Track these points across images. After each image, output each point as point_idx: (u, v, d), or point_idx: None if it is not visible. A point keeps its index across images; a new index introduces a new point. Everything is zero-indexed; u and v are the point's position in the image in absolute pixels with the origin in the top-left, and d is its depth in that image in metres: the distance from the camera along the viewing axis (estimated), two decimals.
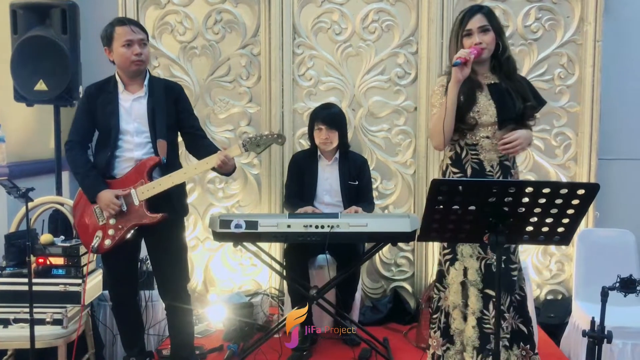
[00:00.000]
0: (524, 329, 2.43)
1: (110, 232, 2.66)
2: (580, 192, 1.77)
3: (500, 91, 2.44)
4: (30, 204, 2.55)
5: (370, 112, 3.84)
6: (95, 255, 2.98)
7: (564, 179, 3.73)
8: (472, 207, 1.84)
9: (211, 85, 3.89)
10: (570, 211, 1.82)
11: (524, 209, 1.83)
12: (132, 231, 2.67)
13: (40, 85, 3.19)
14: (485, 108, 2.41)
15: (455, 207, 1.84)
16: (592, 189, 1.78)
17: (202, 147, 2.80)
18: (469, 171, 2.44)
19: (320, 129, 3.34)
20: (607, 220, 3.72)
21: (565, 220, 1.85)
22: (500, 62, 2.47)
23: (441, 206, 1.84)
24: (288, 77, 3.81)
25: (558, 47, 3.73)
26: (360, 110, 3.84)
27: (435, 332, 2.50)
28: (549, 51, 3.73)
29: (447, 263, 2.46)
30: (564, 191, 1.77)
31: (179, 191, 2.79)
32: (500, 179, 2.41)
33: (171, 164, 2.71)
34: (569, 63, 3.75)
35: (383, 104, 3.84)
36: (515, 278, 2.43)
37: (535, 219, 1.85)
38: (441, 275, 2.50)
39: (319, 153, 3.44)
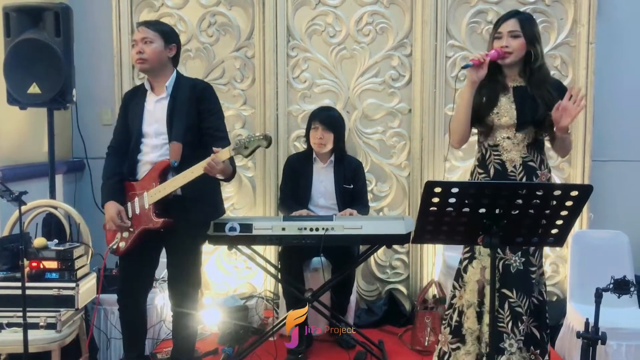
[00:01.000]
0: (537, 333, 2.42)
1: (125, 234, 2.69)
2: (574, 193, 1.78)
3: (524, 94, 2.43)
4: (23, 208, 2.54)
5: (364, 115, 3.85)
6: (89, 258, 2.97)
7: (557, 181, 3.74)
8: (466, 209, 1.84)
9: None
10: (563, 213, 1.83)
11: (517, 211, 1.83)
12: (144, 235, 2.67)
13: (34, 89, 3.17)
14: (506, 110, 2.41)
15: (449, 209, 1.84)
16: (585, 191, 1.79)
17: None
18: (491, 172, 2.45)
19: (316, 128, 3.34)
20: (601, 222, 3.73)
21: (559, 222, 1.86)
22: (532, 70, 2.43)
23: (435, 208, 1.84)
24: (282, 80, 3.81)
25: (551, 49, 3.75)
26: (355, 113, 3.84)
27: (445, 328, 2.51)
28: None
29: (466, 261, 2.47)
30: (557, 193, 1.78)
31: (199, 197, 2.70)
32: (524, 180, 2.39)
33: (189, 166, 2.58)
34: (563, 65, 3.76)
35: (377, 107, 3.84)
36: (534, 281, 2.42)
37: (529, 220, 1.86)
38: (459, 274, 2.51)
39: (314, 156, 3.43)
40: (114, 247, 2.70)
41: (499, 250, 2.37)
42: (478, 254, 2.43)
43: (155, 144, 2.70)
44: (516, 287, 2.36)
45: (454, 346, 2.45)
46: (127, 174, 2.74)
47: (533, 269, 2.43)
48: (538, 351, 2.42)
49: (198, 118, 2.71)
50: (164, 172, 2.66)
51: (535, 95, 2.41)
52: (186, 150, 2.65)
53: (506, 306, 2.36)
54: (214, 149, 2.53)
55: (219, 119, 2.78)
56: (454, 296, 2.51)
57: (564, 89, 2.45)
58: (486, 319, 2.36)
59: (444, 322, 2.55)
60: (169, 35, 2.73)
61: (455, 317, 2.47)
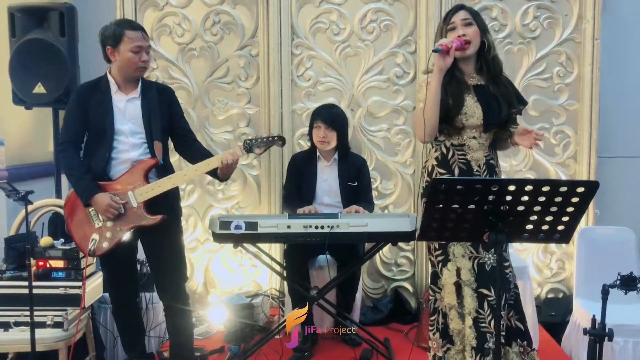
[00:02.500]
0: (521, 325, 2.42)
1: (108, 234, 2.64)
2: (580, 189, 1.77)
3: (487, 95, 2.43)
4: (29, 207, 2.55)
5: (369, 112, 3.84)
6: (95, 258, 2.98)
7: (563, 177, 3.73)
8: (472, 206, 1.83)
9: (210, 87, 3.89)
10: (570, 209, 1.82)
11: (523, 207, 1.82)
12: (128, 233, 2.66)
13: (39, 88, 3.19)
14: (472, 110, 2.39)
15: (455, 206, 1.84)
16: (591, 187, 1.78)
17: (195, 150, 2.81)
18: (456, 171, 2.42)
19: (319, 127, 3.34)
20: (607, 218, 3.72)
21: (565, 218, 1.85)
22: (487, 62, 2.44)
23: (440, 205, 1.84)
24: (287, 78, 3.81)
25: (556, 45, 3.73)
26: (359, 110, 3.84)
27: (434, 333, 2.49)
28: (547, 49, 3.73)
29: (440, 264, 2.43)
30: (563, 189, 1.77)
31: (175, 192, 2.79)
32: (487, 177, 2.40)
33: (166, 166, 2.74)
34: (568, 61, 3.75)
35: (382, 104, 3.84)
36: (508, 276, 2.43)
37: (535, 217, 1.85)
38: (435, 277, 2.47)
39: (318, 154, 3.43)
40: (92, 248, 2.62)
41: (472, 249, 2.37)
42: (452, 255, 2.40)
43: (133, 142, 2.68)
44: (493, 285, 2.33)
45: (444, 348, 2.43)
46: (98, 171, 2.65)
47: (507, 264, 2.43)
48: (525, 342, 2.41)
49: (169, 120, 2.77)
50: (148, 171, 2.67)
51: (497, 95, 2.41)
52: (163, 149, 2.71)
53: (485, 305, 2.34)
54: (229, 151, 2.64)
55: (187, 122, 2.90)
56: (435, 300, 2.48)
57: (514, 85, 2.57)
58: (468, 321, 2.35)
59: (431, 327, 2.51)
60: None
61: (440, 320, 2.45)
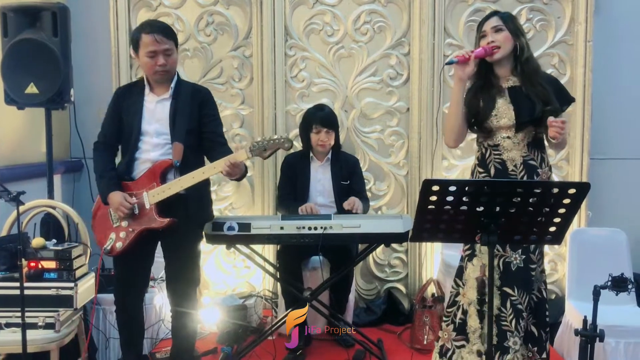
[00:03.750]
0: (535, 331, 2.43)
1: (122, 234, 2.67)
2: (571, 191, 1.78)
3: (520, 95, 2.45)
4: (21, 208, 2.53)
5: (362, 114, 3.85)
6: (88, 258, 2.97)
7: (556, 179, 3.74)
8: (464, 207, 1.84)
9: None
10: (561, 210, 1.83)
11: (515, 209, 1.83)
12: (143, 234, 2.66)
13: (31, 89, 3.17)
14: (504, 112, 2.43)
15: (447, 207, 1.84)
16: (583, 188, 1.79)
17: (218, 153, 2.71)
18: (492, 171, 2.46)
19: (319, 131, 3.34)
20: (599, 220, 3.73)
21: (557, 220, 1.86)
22: (521, 63, 2.46)
23: (433, 206, 1.85)
24: (280, 79, 3.81)
25: (549, 47, 3.75)
26: (353, 112, 3.84)
27: (448, 325, 2.51)
28: (540, 52, 3.74)
29: (466, 259, 2.48)
30: (555, 191, 1.78)
31: (198, 197, 2.74)
32: (525, 178, 2.40)
33: (190, 167, 2.64)
34: (560, 63, 3.76)
35: (375, 105, 3.84)
36: (533, 278, 2.42)
37: (527, 218, 1.86)
38: (461, 271, 2.51)
39: (311, 154, 3.44)
40: (108, 247, 2.67)
41: (499, 248, 2.39)
42: (479, 251, 2.43)
43: (157, 143, 2.69)
44: (517, 285, 2.37)
45: (458, 344, 2.45)
46: (122, 171, 2.72)
47: (533, 266, 2.43)
48: (535, 349, 2.42)
49: (199, 122, 2.74)
50: (164, 172, 2.66)
51: (530, 94, 2.42)
52: (187, 151, 2.67)
53: (508, 304, 2.36)
54: (232, 155, 2.59)
55: (219, 125, 2.84)
56: (457, 294, 2.51)
57: (558, 83, 2.54)
58: None
59: (446, 319, 2.54)
60: (177, 42, 2.77)
61: (459, 314, 2.47)
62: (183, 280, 2.79)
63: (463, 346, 2.43)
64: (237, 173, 2.61)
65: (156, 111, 2.71)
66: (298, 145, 3.78)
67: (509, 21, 2.46)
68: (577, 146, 3.74)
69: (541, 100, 2.41)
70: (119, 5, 3.80)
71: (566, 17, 3.73)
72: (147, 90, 2.74)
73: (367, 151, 3.86)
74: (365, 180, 3.63)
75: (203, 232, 2.85)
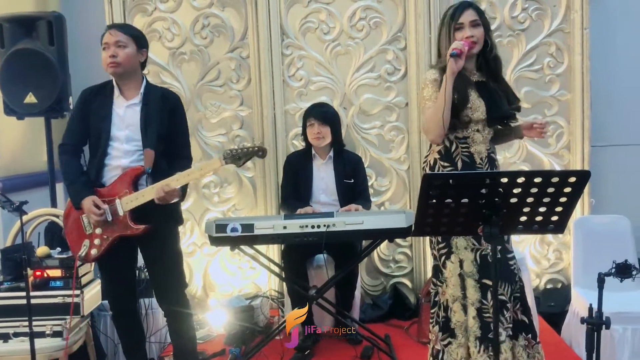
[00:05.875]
0: (525, 318, 2.44)
1: (97, 241, 2.62)
2: (572, 179, 1.77)
3: (489, 90, 2.47)
4: (25, 217, 2.55)
5: (361, 110, 3.85)
6: (93, 265, 2.97)
7: (557, 168, 3.74)
8: (465, 200, 1.84)
9: (202, 90, 3.89)
10: (563, 199, 1.82)
11: (516, 200, 1.83)
12: (117, 241, 2.62)
13: (30, 98, 3.18)
14: (476, 105, 2.43)
15: (448, 200, 1.84)
16: (583, 176, 1.78)
17: (178, 166, 2.68)
18: (459, 164, 2.45)
19: (312, 124, 3.35)
20: (602, 207, 3.74)
21: (559, 209, 1.85)
22: (488, 60, 2.49)
23: (434, 200, 1.84)
24: (278, 79, 3.81)
25: (546, 36, 3.75)
26: (352, 109, 3.84)
27: (434, 326, 2.50)
28: (537, 41, 3.74)
29: (443, 257, 2.46)
30: (555, 179, 1.77)
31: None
32: (488, 170, 2.43)
33: (161, 174, 2.61)
34: (558, 52, 3.76)
35: (374, 101, 3.84)
36: (513, 268, 2.44)
37: (529, 208, 1.85)
38: (437, 270, 2.50)
39: (313, 152, 3.44)
40: (83, 254, 2.62)
41: (474, 241, 2.40)
42: (455, 248, 2.42)
43: (127, 149, 2.64)
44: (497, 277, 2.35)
45: (445, 342, 2.44)
46: (92, 177, 2.64)
47: (510, 255, 2.44)
48: (530, 335, 2.42)
49: (169, 129, 2.70)
50: (136, 179, 2.62)
51: (497, 90, 2.45)
52: (157, 158, 2.62)
53: (489, 296, 2.36)
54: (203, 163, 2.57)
55: (187, 136, 2.81)
56: (436, 293, 2.50)
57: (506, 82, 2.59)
58: (471, 311, 2.36)
59: (431, 320, 2.53)
60: (140, 40, 2.70)
61: (441, 313, 2.46)
62: (169, 284, 2.74)
63: (450, 343, 2.42)
64: (169, 199, 2.57)
65: (126, 117, 2.65)
66: (299, 145, 3.79)
67: (483, 16, 2.47)
68: (577, 134, 3.73)
69: (505, 97, 2.47)
70: (115, 11, 3.80)
71: (562, 5, 3.72)
72: (116, 93, 2.67)
73: (367, 147, 3.86)
74: (367, 177, 3.63)
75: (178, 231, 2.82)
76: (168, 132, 2.70)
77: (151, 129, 2.63)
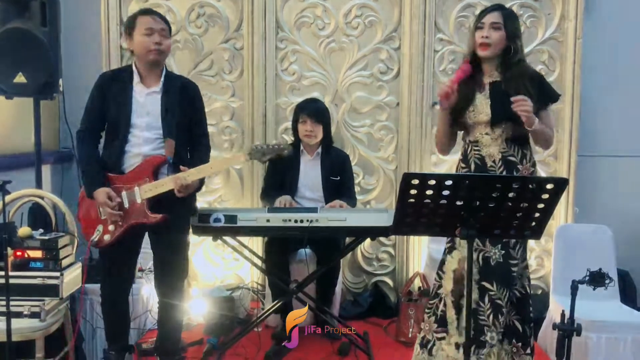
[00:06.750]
0: (519, 326, 2.45)
1: (110, 227, 2.65)
2: (550, 186, 1.79)
3: (498, 91, 2.45)
4: (8, 197, 2.55)
5: (352, 108, 3.86)
6: (75, 248, 2.97)
7: (544, 175, 3.76)
8: (444, 201, 1.86)
9: (194, 79, 3.75)
10: (540, 205, 1.85)
11: (494, 204, 1.85)
12: (132, 228, 2.65)
13: (20, 78, 3.16)
14: (482, 107, 2.46)
15: (427, 200, 1.86)
16: (561, 184, 1.80)
17: (197, 156, 2.75)
18: (472, 166, 2.50)
19: (304, 121, 3.34)
20: (586, 216, 3.76)
21: (536, 215, 1.88)
22: (509, 64, 2.45)
23: (413, 200, 1.86)
24: (271, 72, 3.81)
25: (539, 44, 3.77)
26: (343, 106, 3.85)
27: (430, 317, 2.54)
28: (530, 48, 3.75)
29: (447, 251, 2.52)
30: (533, 186, 1.79)
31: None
32: (505, 174, 2.41)
33: (181, 163, 2.65)
34: (550, 60, 3.78)
35: (366, 100, 3.85)
36: (514, 274, 2.44)
37: (506, 213, 1.87)
38: (442, 264, 2.55)
39: (301, 147, 3.44)
40: (96, 239, 2.66)
41: (479, 242, 2.41)
42: (458, 244, 2.46)
43: (147, 137, 2.65)
44: (496, 280, 2.39)
45: (439, 335, 2.47)
46: (111, 164, 2.67)
47: (514, 262, 2.44)
48: (520, 344, 2.44)
49: (189, 118, 2.73)
50: (157, 168, 2.64)
51: (509, 91, 2.41)
52: (178, 147, 2.65)
53: (486, 299, 2.39)
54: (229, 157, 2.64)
55: (205, 126, 2.85)
56: (439, 286, 2.53)
57: (542, 80, 2.51)
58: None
59: (428, 310, 2.56)
60: (171, 31, 2.76)
61: (441, 306, 2.50)
62: (171, 272, 2.79)
63: (443, 338, 2.45)
64: (189, 191, 2.63)
65: (147, 104, 2.67)
66: (289, 139, 3.79)
67: (509, 20, 2.44)
68: (565, 143, 3.76)
69: (528, 96, 2.39)
70: None
71: (556, 13, 3.74)
72: (136, 79, 2.68)
73: (356, 145, 3.87)
74: (355, 175, 3.64)
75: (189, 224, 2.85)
76: (187, 121, 2.73)
77: (171, 118, 2.65)
